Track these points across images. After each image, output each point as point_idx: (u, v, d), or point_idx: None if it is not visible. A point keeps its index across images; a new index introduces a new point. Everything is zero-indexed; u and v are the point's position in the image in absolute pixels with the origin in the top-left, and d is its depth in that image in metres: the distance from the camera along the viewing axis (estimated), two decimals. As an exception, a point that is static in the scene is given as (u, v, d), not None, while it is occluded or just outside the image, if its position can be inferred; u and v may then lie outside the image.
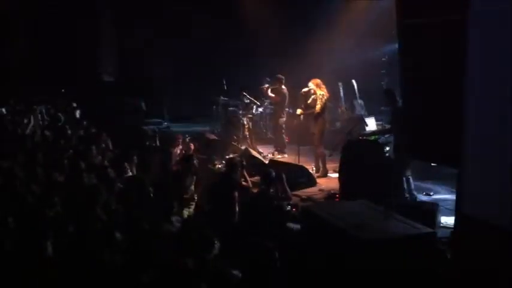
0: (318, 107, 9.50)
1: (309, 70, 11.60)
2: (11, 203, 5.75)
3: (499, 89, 5.17)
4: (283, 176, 7.43)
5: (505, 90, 5.08)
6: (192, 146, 9.89)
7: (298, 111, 9.98)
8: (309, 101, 9.72)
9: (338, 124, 12.29)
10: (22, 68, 13.53)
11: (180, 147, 9.81)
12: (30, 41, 13.90)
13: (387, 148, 8.17)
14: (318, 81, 9.67)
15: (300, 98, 10.09)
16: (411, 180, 8.08)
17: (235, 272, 4.61)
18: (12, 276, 4.37)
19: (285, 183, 7.40)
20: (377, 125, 9.42)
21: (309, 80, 9.90)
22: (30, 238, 4.72)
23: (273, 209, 6.85)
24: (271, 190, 7.13)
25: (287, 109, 11.49)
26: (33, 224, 5.10)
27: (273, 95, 11.28)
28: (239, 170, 7.45)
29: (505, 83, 5.08)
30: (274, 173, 7.26)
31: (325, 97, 9.59)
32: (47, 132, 10.17)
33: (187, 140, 10.14)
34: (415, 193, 7.98)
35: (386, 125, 8.82)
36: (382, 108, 10.80)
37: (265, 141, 12.44)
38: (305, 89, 9.73)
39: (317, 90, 9.56)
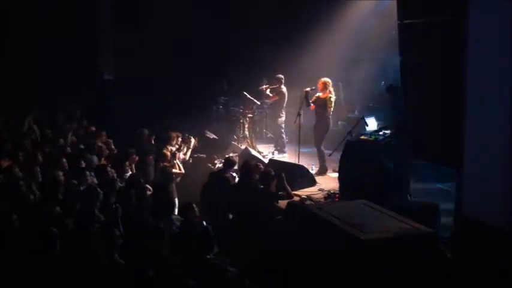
0: (330, 110, 9.48)
1: (309, 70, 11.58)
2: (12, 203, 5.76)
3: (499, 89, 5.18)
4: (283, 175, 7.43)
5: (505, 90, 5.09)
6: (194, 141, 9.86)
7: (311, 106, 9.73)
8: (311, 100, 9.67)
9: (340, 123, 12.27)
10: (21, 68, 13.50)
11: (186, 144, 9.76)
12: (30, 41, 13.87)
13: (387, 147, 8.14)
14: (327, 81, 9.53)
15: (303, 96, 9.93)
16: (411, 180, 8.07)
17: (233, 270, 4.61)
18: (13, 276, 4.37)
19: (285, 182, 7.38)
20: (377, 124, 9.38)
21: (308, 80, 9.80)
22: (31, 238, 4.72)
23: (273, 207, 6.86)
24: (271, 189, 7.13)
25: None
26: (34, 223, 5.11)
27: (271, 95, 11.25)
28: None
29: (504, 82, 5.09)
30: (273, 172, 7.25)
31: (333, 99, 9.55)
32: (47, 131, 10.15)
33: (188, 137, 10.09)
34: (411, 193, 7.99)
35: (386, 124, 8.80)
36: (376, 105, 10.77)
37: (265, 141, 12.43)
38: (307, 88, 9.69)
39: (326, 93, 9.46)
